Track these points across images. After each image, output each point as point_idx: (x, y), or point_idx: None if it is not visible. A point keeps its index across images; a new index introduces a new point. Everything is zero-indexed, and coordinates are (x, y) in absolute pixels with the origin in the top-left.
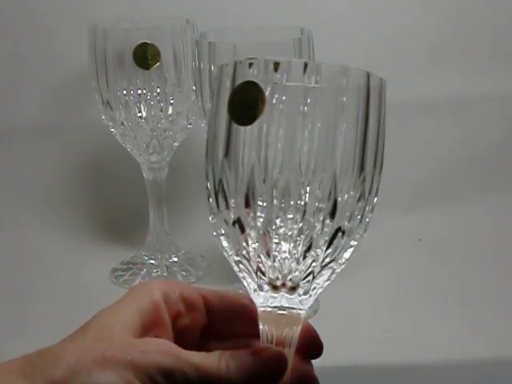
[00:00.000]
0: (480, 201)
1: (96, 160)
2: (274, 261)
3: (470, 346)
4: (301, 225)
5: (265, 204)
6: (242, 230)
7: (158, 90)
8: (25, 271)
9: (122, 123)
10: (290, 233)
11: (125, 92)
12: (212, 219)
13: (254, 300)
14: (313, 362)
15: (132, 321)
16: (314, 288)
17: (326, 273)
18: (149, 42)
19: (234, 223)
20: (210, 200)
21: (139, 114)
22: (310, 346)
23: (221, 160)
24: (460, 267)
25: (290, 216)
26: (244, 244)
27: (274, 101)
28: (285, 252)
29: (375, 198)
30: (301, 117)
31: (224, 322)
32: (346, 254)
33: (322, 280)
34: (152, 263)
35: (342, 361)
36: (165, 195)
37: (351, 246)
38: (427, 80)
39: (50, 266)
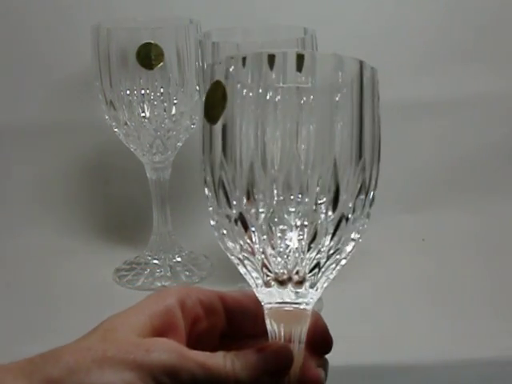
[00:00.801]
0: (483, 202)
1: (99, 160)
2: (279, 255)
3: (472, 346)
4: (304, 217)
5: (266, 199)
6: (245, 227)
7: (162, 90)
8: (28, 272)
9: (126, 123)
10: (293, 226)
11: (128, 92)
12: (213, 220)
13: (260, 297)
14: None
15: (140, 323)
16: (320, 281)
17: (331, 265)
18: (152, 41)
19: (236, 221)
20: (211, 200)
21: (142, 114)
22: (319, 340)
23: (219, 158)
24: (463, 268)
25: (293, 209)
26: (248, 241)
27: (267, 97)
28: (289, 246)
29: (375, 187)
30: (298, 111)
31: (243, 323)
32: (349, 247)
33: (327, 272)
34: (155, 263)
35: (345, 361)
36: (168, 195)
37: (354, 239)
38: (433, 79)
39: (54, 266)
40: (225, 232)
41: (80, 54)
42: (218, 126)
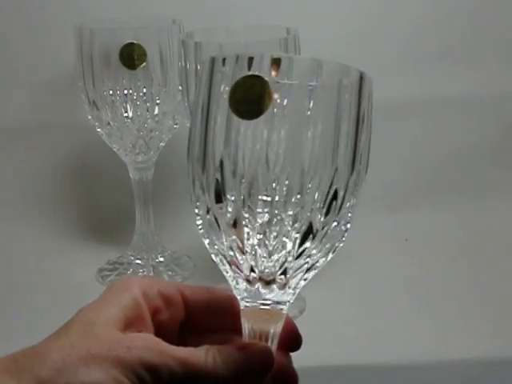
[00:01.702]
0: (466, 201)
1: (82, 160)
2: (270, 257)
3: (456, 345)
4: (299, 222)
5: (264, 201)
6: (239, 226)
7: (145, 90)
8: (10, 271)
9: (109, 123)
10: (288, 229)
11: (111, 92)
12: (198, 211)
13: (237, 295)
14: (300, 362)
15: (114, 317)
16: (300, 283)
17: (316, 267)
18: (135, 42)
19: (230, 220)
20: (201, 195)
21: (125, 114)
22: (289, 339)
23: (219, 158)
24: (446, 267)
25: (290, 213)
26: (238, 241)
27: (277, 101)
28: (281, 249)
29: (353, 196)
30: (304, 116)
31: (202, 317)
32: (335, 248)
33: (309, 276)
34: (138, 263)
35: (328, 361)
36: (151, 195)
37: (341, 242)
38: (417, 79)
39: (36, 265)
40: (212, 229)
41: (63, 55)
42: (220, 128)
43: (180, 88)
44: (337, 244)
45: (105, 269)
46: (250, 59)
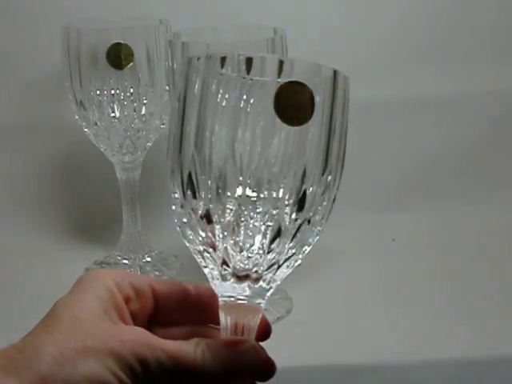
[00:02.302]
0: (453, 200)
1: (69, 160)
2: (241, 252)
3: (443, 346)
4: (270, 217)
5: (235, 196)
6: (210, 221)
7: (132, 90)
8: None
9: (96, 123)
10: (258, 225)
11: (98, 92)
12: (176, 208)
13: (216, 289)
14: (287, 362)
15: (95, 309)
16: (276, 279)
17: (288, 264)
18: (122, 42)
19: (201, 215)
20: (177, 191)
21: (112, 114)
22: (260, 329)
23: (192, 152)
24: (433, 267)
25: (260, 209)
26: (210, 234)
27: (241, 105)
28: (251, 245)
29: (336, 192)
30: (271, 113)
31: (170, 310)
32: (307, 248)
33: (284, 271)
34: (125, 263)
35: (315, 361)
36: (138, 195)
37: (312, 241)
38: (401, 79)
39: (23, 266)
40: (186, 222)
41: (50, 55)
42: (193, 125)
43: (167, 88)
44: (310, 241)
45: (92, 269)
46: (223, 59)
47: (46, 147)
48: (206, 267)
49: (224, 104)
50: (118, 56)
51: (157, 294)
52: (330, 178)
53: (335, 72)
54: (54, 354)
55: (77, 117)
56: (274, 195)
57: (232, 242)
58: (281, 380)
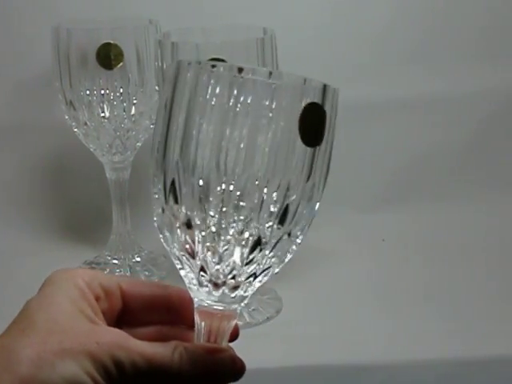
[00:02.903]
0: (442, 201)
1: (59, 160)
2: (220, 261)
3: (434, 345)
4: (251, 228)
5: (217, 205)
6: (190, 227)
7: (121, 90)
8: None
9: (85, 123)
10: (239, 235)
11: (88, 92)
12: (156, 209)
13: (192, 294)
14: (276, 362)
15: (70, 310)
16: (253, 287)
17: (266, 274)
18: (112, 42)
19: (182, 221)
20: (159, 194)
21: (102, 114)
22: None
23: (176, 158)
24: (423, 267)
25: (241, 218)
26: (190, 241)
27: (230, 103)
28: (231, 254)
29: (318, 204)
30: (261, 119)
31: (138, 310)
32: (286, 259)
33: (261, 280)
34: (115, 263)
35: (304, 361)
36: (128, 195)
37: (291, 252)
38: (389, 79)
39: (13, 266)
40: (165, 224)
41: (40, 55)
42: (180, 129)
43: (157, 88)
44: (289, 252)
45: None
46: (213, 66)
47: (35, 147)
48: (182, 270)
49: (212, 103)
50: (108, 56)
51: (125, 294)
52: (312, 190)
53: (325, 86)
54: (33, 357)
55: (66, 117)
56: (257, 205)
57: (211, 250)
58: (269, 380)
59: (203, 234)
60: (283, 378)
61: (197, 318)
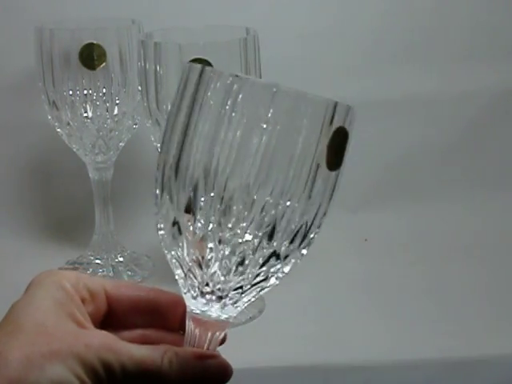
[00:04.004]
0: (425, 201)
1: (42, 160)
2: (206, 268)
3: (416, 345)
4: (238, 238)
5: (206, 211)
6: (180, 232)
7: (104, 91)
8: None
9: (68, 123)
10: (226, 244)
11: (71, 92)
12: (156, 211)
13: (185, 299)
14: (259, 362)
15: (57, 313)
16: (242, 301)
17: (255, 289)
18: (95, 42)
19: (173, 224)
20: (156, 195)
21: (85, 114)
22: None
23: (172, 161)
24: (405, 268)
25: (230, 226)
26: (180, 245)
27: (233, 114)
28: (217, 262)
29: (318, 229)
30: (255, 128)
31: (123, 313)
32: (285, 270)
33: (250, 295)
34: (98, 263)
35: (287, 361)
36: (110, 195)
37: (288, 265)
38: (375, 79)
39: None
40: (162, 228)
41: (23, 55)
42: (178, 130)
43: (139, 88)
44: (277, 275)
45: (64, 269)
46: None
47: (18, 147)
48: (177, 276)
49: (211, 103)
50: (91, 56)
51: (110, 297)
52: (309, 214)
53: (336, 105)
54: (21, 359)
55: (49, 117)
56: (245, 218)
57: (198, 256)
58: (253, 381)
59: (191, 239)
60: (266, 378)
61: (187, 322)
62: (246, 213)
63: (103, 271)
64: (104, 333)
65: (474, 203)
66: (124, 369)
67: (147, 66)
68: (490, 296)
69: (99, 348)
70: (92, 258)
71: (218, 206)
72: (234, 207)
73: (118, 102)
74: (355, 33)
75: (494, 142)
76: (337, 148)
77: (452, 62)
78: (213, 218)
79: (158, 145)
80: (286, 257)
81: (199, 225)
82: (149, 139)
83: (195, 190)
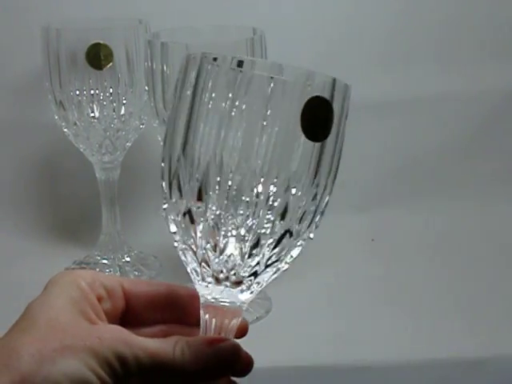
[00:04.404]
0: (431, 201)
1: (49, 160)
2: (220, 254)
3: (420, 346)
4: (250, 222)
5: (217, 198)
6: (192, 221)
7: (111, 90)
8: None
9: (75, 123)
10: (238, 229)
11: (78, 92)
12: (164, 204)
13: (198, 289)
14: (265, 362)
15: (71, 310)
16: (257, 284)
17: (270, 271)
18: (102, 42)
19: (184, 214)
20: (164, 187)
21: (92, 114)
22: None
23: (178, 151)
24: (412, 268)
25: (241, 212)
26: (192, 234)
27: (236, 103)
28: (231, 247)
29: (326, 205)
30: (261, 118)
31: (141, 310)
32: (293, 254)
33: (265, 277)
34: (105, 263)
35: (294, 361)
36: (117, 195)
37: (297, 247)
38: (383, 79)
39: (2, 266)
40: (171, 219)
41: (30, 55)
42: (182, 121)
43: (146, 88)
44: (294, 251)
45: (71, 269)
46: (214, 59)
47: (25, 147)
48: (188, 266)
49: (213, 96)
50: (98, 56)
51: (127, 294)
52: (317, 189)
53: (334, 80)
54: (33, 353)
55: (56, 117)
56: (255, 199)
57: (211, 243)
58: (260, 381)
59: (203, 227)
60: (272, 378)
61: (202, 313)
62: (255, 196)
63: (110, 271)
64: (116, 327)
65: (482, 203)
66: (139, 361)
67: (154, 66)
68: (498, 295)
69: (112, 341)
70: (99, 257)
71: (228, 192)
72: (243, 191)
73: (124, 102)
74: (364, 33)
75: (502, 142)
76: (311, 116)
77: (460, 63)
78: (223, 203)
79: None
80: (297, 236)
81: (210, 211)
82: (156, 139)
83: (205, 177)
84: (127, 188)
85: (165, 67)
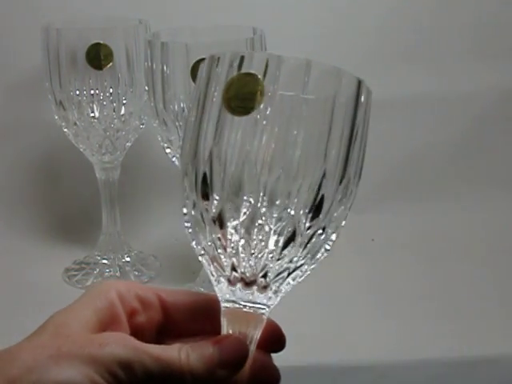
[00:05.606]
0: (432, 201)
1: (48, 160)
2: (251, 258)
3: (420, 345)
4: (282, 225)
5: (251, 201)
6: (221, 225)
7: (111, 90)
8: None
9: (75, 123)
10: (271, 232)
11: (78, 92)
12: (188, 211)
13: (219, 295)
14: None
15: (88, 318)
16: (283, 288)
17: (297, 274)
18: (102, 42)
19: (213, 218)
20: (190, 192)
21: (92, 114)
22: (273, 340)
23: (208, 154)
24: (412, 268)
25: (275, 215)
26: (221, 237)
27: (268, 107)
28: (263, 250)
29: (352, 203)
30: (294, 120)
31: (180, 321)
32: (318, 258)
33: (292, 281)
34: (105, 263)
35: (293, 361)
36: (117, 195)
37: (324, 251)
38: (380, 80)
39: (2, 265)
40: (197, 224)
41: (30, 55)
42: (213, 122)
43: (146, 88)
44: (322, 251)
45: (71, 269)
46: (242, 58)
47: (25, 147)
48: (211, 271)
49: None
50: (98, 56)
51: (165, 305)
52: (346, 187)
53: (359, 83)
54: (26, 359)
55: (56, 117)
56: (289, 201)
57: (243, 245)
58: None
59: (235, 228)
60: None
61: (222, 319)
62: (259, 193)
63: (110, 271)
64: (120, 333)
65: (481, 203)
66: (145, 367)
67: (154, 66)
68: (495, 296)
69: (115, 347)
70: (99, 258)
71: (229, 189)
72: (246, 188)
73: (124, 101)
74: (361, 33)
75: (499, 141)
76: (231, 89)
77: (456, 62)
78: (227, 200)
79: (165, 145)
80: (328, 234)
81: (215, 210)
82: (156, 139)
83: (209, 173)
84: (127, 188)
85: (165, 67)
